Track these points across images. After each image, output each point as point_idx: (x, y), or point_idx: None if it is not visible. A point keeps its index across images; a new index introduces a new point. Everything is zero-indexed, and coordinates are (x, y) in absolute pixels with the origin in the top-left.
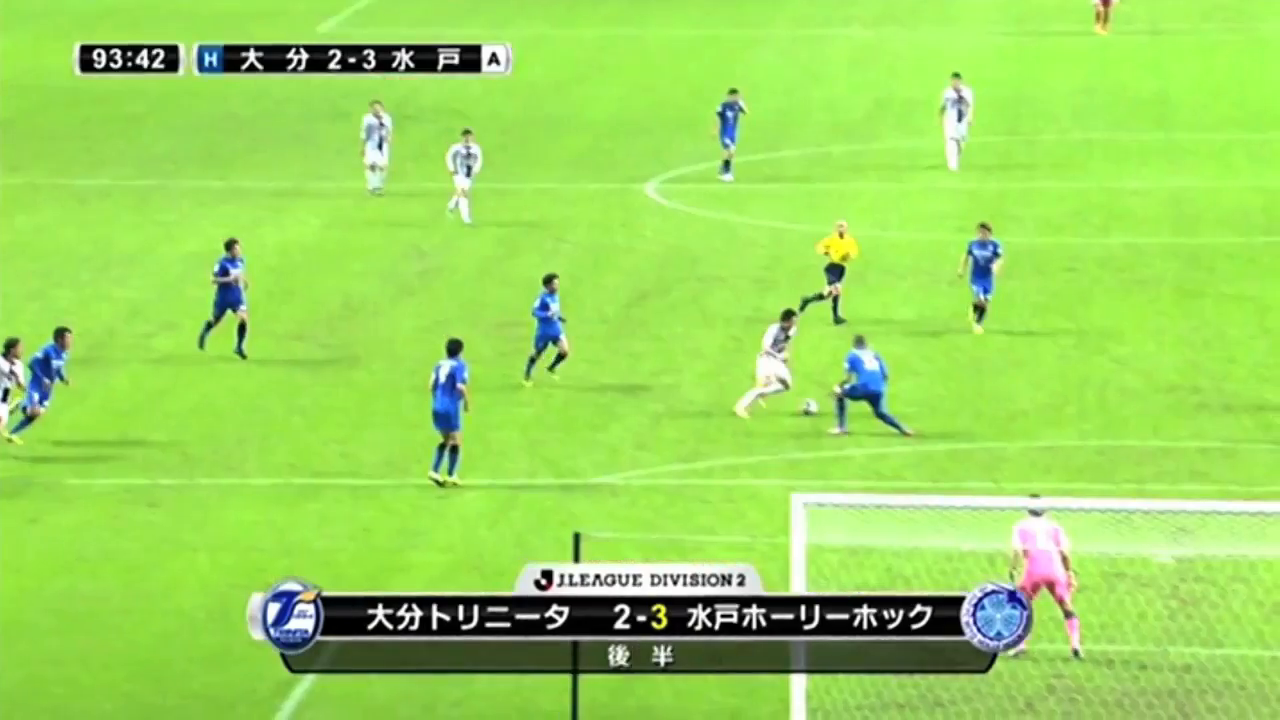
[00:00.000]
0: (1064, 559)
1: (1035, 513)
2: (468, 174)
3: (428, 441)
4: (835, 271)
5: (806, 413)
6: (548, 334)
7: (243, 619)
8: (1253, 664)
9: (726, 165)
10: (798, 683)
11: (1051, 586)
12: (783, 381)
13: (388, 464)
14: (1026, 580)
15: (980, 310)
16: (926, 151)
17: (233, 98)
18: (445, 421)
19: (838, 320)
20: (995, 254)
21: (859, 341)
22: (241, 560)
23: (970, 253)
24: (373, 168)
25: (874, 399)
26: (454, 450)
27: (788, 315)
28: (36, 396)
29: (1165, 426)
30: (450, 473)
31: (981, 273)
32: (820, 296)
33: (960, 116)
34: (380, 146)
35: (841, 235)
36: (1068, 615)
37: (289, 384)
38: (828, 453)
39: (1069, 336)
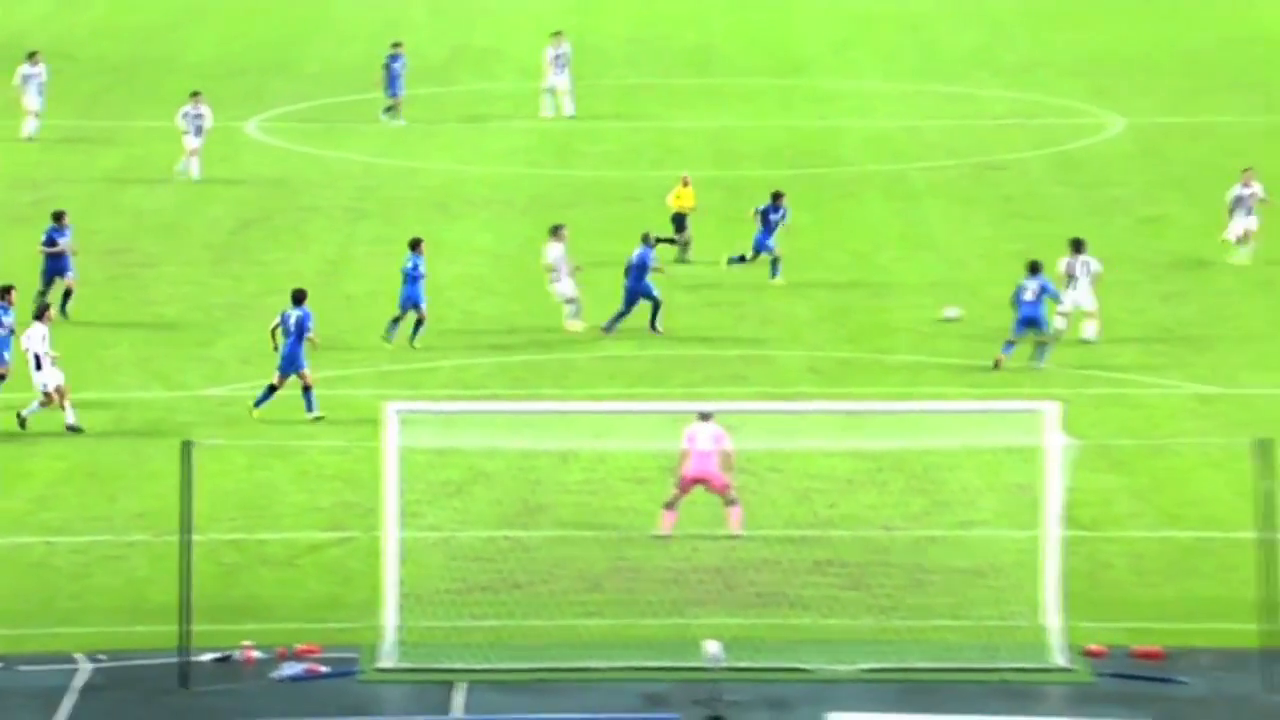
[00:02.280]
0: (726, 456)
1: (704, 416)
2: (198, 133)
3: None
4: (680, 220)
5: (947, 319)
6: (411, 296)
7: None
8: (785, 543)
9: (390, 110)
10: (391, 570)
11: (708, 482)
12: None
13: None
14: (685, 475)
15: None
16: (501, 94)
17: None
18: (293, 363)
19: (683, 260)
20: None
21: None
22: None
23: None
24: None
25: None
26: (308, 390)
27: (556, 230)
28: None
29: (713, 336)
30: (310, 409)
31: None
32: (674, 241)
33: (561, 69)
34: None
35: (686, 185)
36: (730, 503)
37: None
38: (418, 365)
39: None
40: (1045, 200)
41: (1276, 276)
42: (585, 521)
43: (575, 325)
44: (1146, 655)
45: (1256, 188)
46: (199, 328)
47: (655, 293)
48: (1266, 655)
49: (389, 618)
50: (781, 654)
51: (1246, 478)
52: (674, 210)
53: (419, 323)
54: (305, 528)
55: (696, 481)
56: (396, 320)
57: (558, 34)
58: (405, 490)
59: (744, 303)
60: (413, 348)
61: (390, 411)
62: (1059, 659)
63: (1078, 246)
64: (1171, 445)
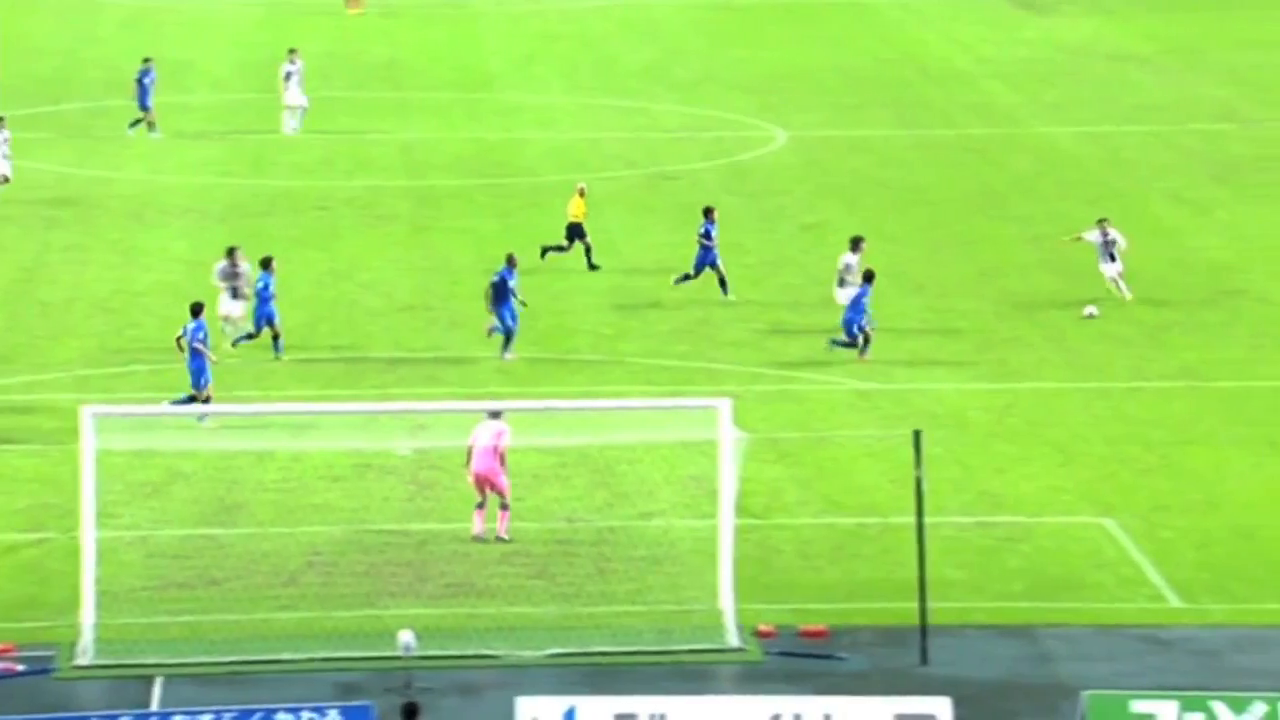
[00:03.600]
0: (501, 457)
1: (494, 415)
2: None
3: None
4: (575, 229)
5: (1090, 316)
6: (266, 314)
7: None
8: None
9: (143, 124)
10: (88, 569)
11: (490, 480)
12: (229, 319)
13: None
14: (471, 473)
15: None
16: (193, 106)
17: None
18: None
19: (591, 267)
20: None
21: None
22: None
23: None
24: None
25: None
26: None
27: (230, 251)
28: None
29: (404, 340)
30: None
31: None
32: (561, 248)
33: (296, 85)
34: None
35: (582, 195)
36: (503, 508)
37: None
38: (114, 369)
39: (322, 265)
40: (717, 208)
41: (927, 280)
42: (281, 519)
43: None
44: (812, 634)
45: (1114, 233)
46: None
47: (511, 322)
48: (922, 632)
49: (86, 616)
50: (471, 642)
51: (902, 467)
52: (570, 220)
53: (275, 337)
54: (2, 529)
55: (481, 479)
56: (252, 336)
57: (293, 51)
58: (103, 491)
59: (434, 307)
60: (277, 360)
61: (86, 415)
62: (732, 640)
63: (855, 245)
64: (834, 437)
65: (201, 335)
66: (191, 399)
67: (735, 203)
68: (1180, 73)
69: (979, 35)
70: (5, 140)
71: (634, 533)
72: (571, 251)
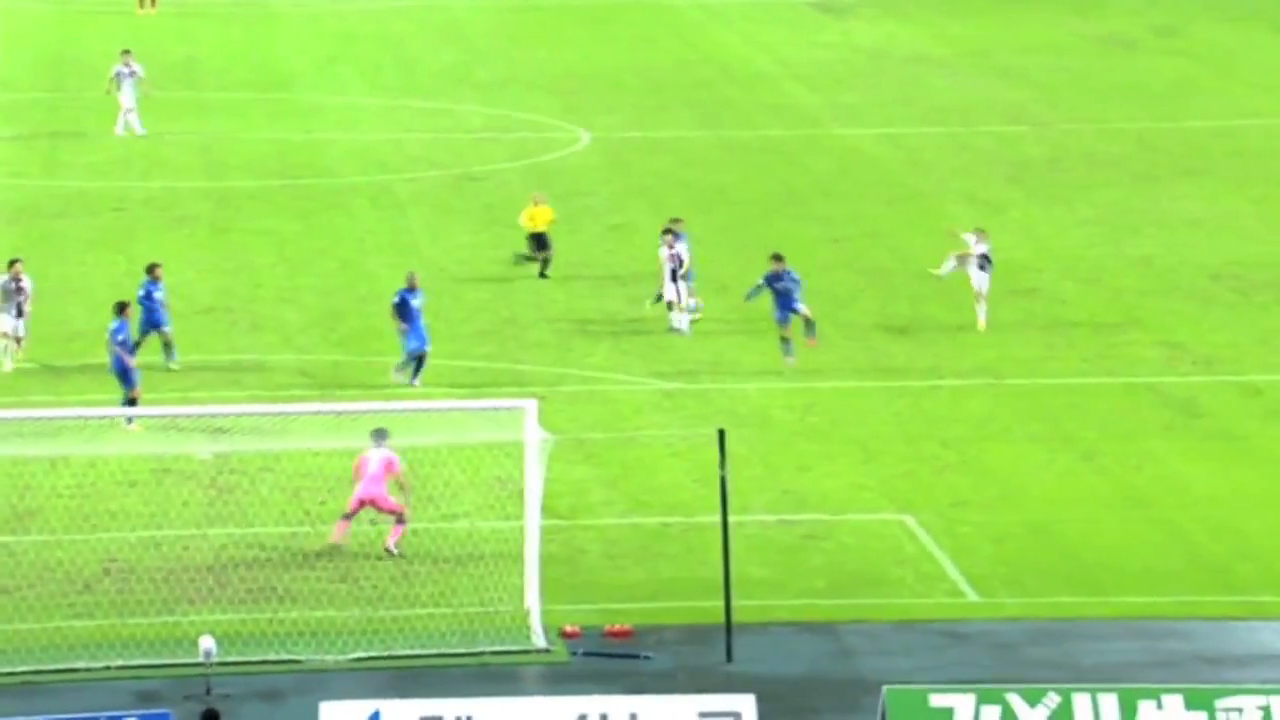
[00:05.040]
0: (398, 480)
1: (379, 438)
2: None
3: None
4: (538, 238)
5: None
6: (152, 321)
7: None
8: (278, 539)
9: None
10: None
11: (375, 503)
12: (7, 336)
13: None
14: (355, 498)
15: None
16: None
17: None
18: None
19: (543, 276)
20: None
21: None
22: None
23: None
24: None
25: None
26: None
27: (11, 263)
28: None
29: (204, 343)
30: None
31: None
32: (531, 258)
33: (133, 88)
34: None
35: (537, 204)
36: (399, 521)
37: None
38: None
39: (119, 267)
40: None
41: (730, 280)
42: (76, 525)
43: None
44: (618, 634)
45: (982, 245)
46: None
47: (420, 344)
48: (727, 630)
49: None
50: (273, 647)
51: (706, 466)
52: (529, 230)
53: (166, 345)
54: None
55: (365, 503)
56: (138, 345)
57: (126, 52)
58: None
59: (235, 309)
60: (169, 369)
61: None
62: (538, 641)
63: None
64: (639, 437)
65: (121, 336)
66: (132, 401)
67: None
68: (974, 75)
69: (779, 37)
70: None
71: (438, 535)
72: (542, 260)
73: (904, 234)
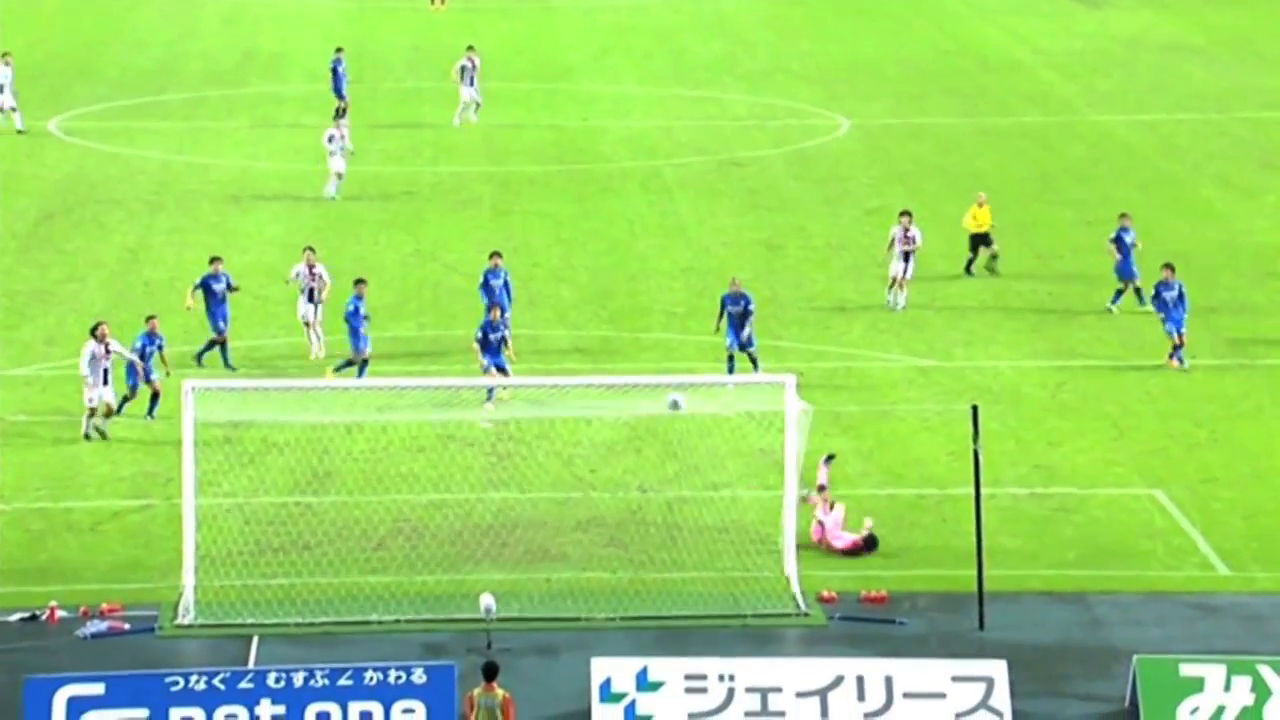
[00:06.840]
0: None
1: None
2: None
3: None
4: (981, 238)
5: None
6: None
7: None
8: (551, 504)
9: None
10: (189, 534)
11: None
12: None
13: None
14: None
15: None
16: (287, 96)
17: None
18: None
19: (987, 270)
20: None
21: None
22: None
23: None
24: None
25: None
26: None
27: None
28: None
29: (481, 318)
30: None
31: None
32: (987, 258)
33: (471, 81)
34: None
35: (980, 206)
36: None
37: None
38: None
39: (407, 247)
40: (783, 193)
41: (977, 261)
42: (370, 486)
43: None
44: (873, 600)
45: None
46: (5, 312)
47: (363, 346)
48: (979, 598)
49: (187, 578)
50: (548, 605)
51: (959, 440)
52: (972, 230)
53: (223, 344)
54: (108, 496)
55: None
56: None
57: (470, 48)
58: (202, 460)
59: (514, 286)
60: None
61: (187, 388)
62: (797, 605)
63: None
64: (894, 411)
65: (139, 345)
66: (125, 400)
67: (800, 188)
68: (1231, 62)
69: (1036, 28)
70: (342, 136)
71: (703, 502)
72: (980, 259)
73: (1158, 218)
